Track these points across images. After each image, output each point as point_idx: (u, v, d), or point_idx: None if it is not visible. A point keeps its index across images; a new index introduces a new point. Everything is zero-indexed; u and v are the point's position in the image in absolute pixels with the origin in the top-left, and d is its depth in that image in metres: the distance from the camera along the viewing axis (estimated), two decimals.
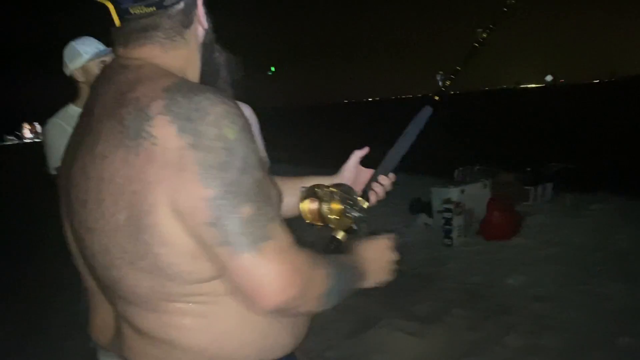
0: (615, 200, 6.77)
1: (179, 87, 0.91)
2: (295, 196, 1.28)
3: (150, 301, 0.97)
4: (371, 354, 3.25)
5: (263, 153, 3.19)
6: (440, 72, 1.50)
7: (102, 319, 1.11)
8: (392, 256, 1.23)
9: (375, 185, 1.38)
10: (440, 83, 1.49)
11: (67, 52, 2.55)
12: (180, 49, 1.04)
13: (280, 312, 0.93)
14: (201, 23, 1.08)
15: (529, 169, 7.24)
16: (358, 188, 1.37)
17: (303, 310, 0.98)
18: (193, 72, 1.08)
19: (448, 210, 5.49)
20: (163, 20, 1.01)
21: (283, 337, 1.06)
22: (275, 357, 1.06)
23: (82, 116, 1.05)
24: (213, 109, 0.88)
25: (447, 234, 5.51)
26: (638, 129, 16.63)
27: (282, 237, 0.91)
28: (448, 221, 5.49)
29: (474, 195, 6.02)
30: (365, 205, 1.33)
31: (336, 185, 1.26)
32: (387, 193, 1.40)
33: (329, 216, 1.23)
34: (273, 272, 0.88)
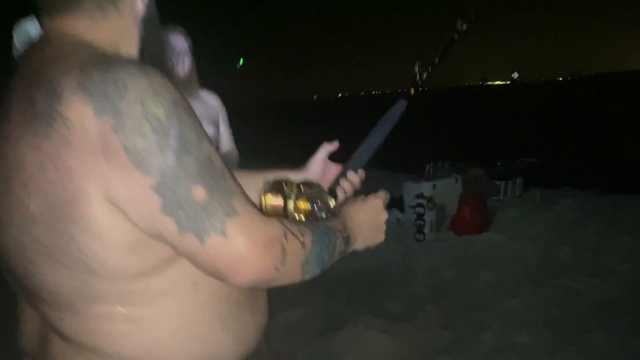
0: (584, 195, 6.85)
1: (97, 61, 0.81)
2: (254, 191, 1.17)
3: (74, 303, 0.88)
4: (343, 354, 3.15)
5: (231, 145, 3.06)
6: (418, 63, 1.40)
7: (27, 324, 1.00)
8: (385, 216, 1.16)
9: (343, 182, 1.29)
10: (417, 75, 1.40)
11: (17, 32, 2.36)
12: (112, 21, 0.94)
13: (258, 284, 0.86)
14: None
15: (499, 163, 7.26)
16: (325, 184, 1.29)
17: (283, 281, 0.89)
18: (128, 50, 0.98)
19: (420, 205, 5.44)
20: None
21: (228, 345, 0.97)
22: None
23: None
24: (133, 83, 0.78)
25: (420, 229, 5.45)
26: (603, 125, 16.97)
27: (247, 209, 0.84)
28: (420, 216, 5.43)
29: (445, 190, 5.99)
30: (333, 204, 1.21)
31: (305, 183, 1.16)
32: (356, 191, 1.31)
33: (294, 215, 1.12)
34: (245, 246, 0.81)
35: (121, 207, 0.79)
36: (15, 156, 0.82)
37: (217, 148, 1.04)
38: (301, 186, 1.15)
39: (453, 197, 5.90)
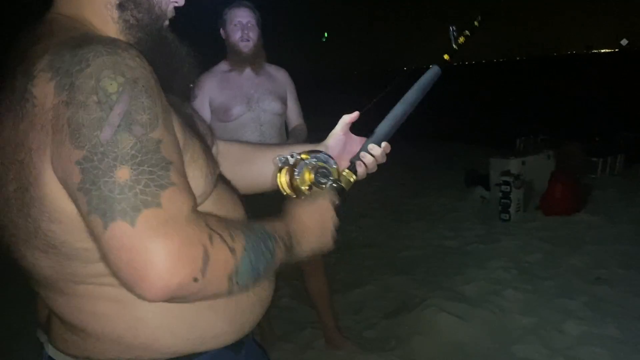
0: None
1: (71, 40, 0.81)
2: (271, 166, 1.17)
3: (57, 284, 0.88)
4: (413, 336, 3.03)
5: (299, 120, 2.98)
6: (453, 27, 1.28)
7: (41, 301, 1.00)
8: (334, 220, 1.06)
9: (364, 156, 1.20)
10: (452, 40, 1.28)
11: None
12: None
13: (171, 300, 0.76)
14: None
15: (597, 138, 6.71)
16: (347, 158, 1.22)
17: (205, 296, 0.80)
18: (106, 33, 0.93)
19: (506, 183, 5.12)
20: None
21: (217, 326, 0.93)
22: (209, 348, 0.93)
23: None
24: (95, 60, 0.76)
25: (505, 208, 5.14)
26: None
27: (176, 205, 0.75)
28: (506, 195, 5.12)
29: (535, 167, 5.63)
30: (353, 178, 1.18)
31: (309, 152, 1.13)
32: (382, 165, 1.23)
33: (300, 187, 1.10)
34: (157, 248, 0.71)
35: (63, 185, 0.77)
36: (2, 136, 0.83)
37: (204, 138, 1.03)
38: (305, 155, 1.11)
39: (544, 174, 5.52)
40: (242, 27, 2.70)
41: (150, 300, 0.75)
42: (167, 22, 1.01)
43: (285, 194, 1.13)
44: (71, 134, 0.74)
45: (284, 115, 2.87)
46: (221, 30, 2.77)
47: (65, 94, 0.75)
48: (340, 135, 1.24)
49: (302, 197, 1.09)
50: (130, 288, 0.75)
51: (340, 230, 1.08)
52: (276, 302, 3.33)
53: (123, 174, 0.73)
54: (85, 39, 0.81)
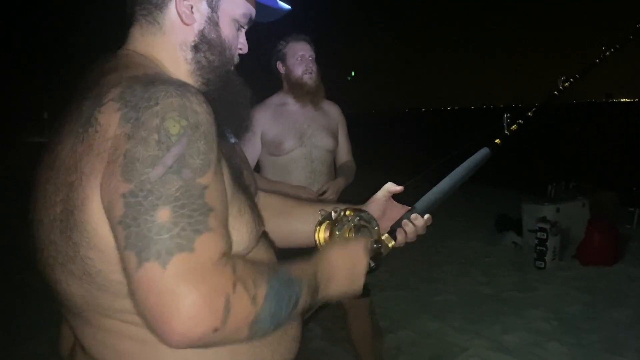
0: None
1: (144, 76, 0.84)
2: (309, 222, 1.20)
3: (85, 313, 0.87)
4: None
5: (349, 157, 2.93)
6: (506, 115, 1.34)
7: (65, 329, 1.00)
8: (364, 264, 1.05)
9: (406, 224, 1.21)
10: (505, 127, 1.34)
11: None
12: (156, 35, 0.98)
13: (193, 346, 0.76)
14: (180, 14, 0.97)
15: (635, 188, 6.55)
16: (385, 224, 1.23)
17: (225, 343, 0.81)
18: (176, 72, 0.98)
19: (543, 230, 4.98)
20: None
21: None
22: None
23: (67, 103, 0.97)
24: (164, 100, 0.79)
25: (540, 255, 4.99)
26: None
27: (207, 253, 0.76)
28: (542, 242, 4.98)
29: (570, 214, 5.51)
30: (391, 244, 1.18)
31: (354, 209, 1.15)
32: (420, 236, 1.24)
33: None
34: (183, 296, 0.72)
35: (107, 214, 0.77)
36: (57, 157, 0.85)
37: (252, 193, 1.06)
38: (349, 211, 1.12)
39: (579, 222, 5.38)
40: (305, 60, 2.68)
41: (170, 346, 0.75)
42: (233, 67, 1.06)
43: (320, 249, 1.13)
44: (124, 166, 0.75)
45: (334, 151, 2.82)
46: (278, 64, 2.74)
47: (128, 126, 0.77)
48: (382, 201, 1.26)
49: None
50: (153, 330, 0.75)
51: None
52: (307, 344, 3.21)
53: (164, 214, 0.74)
54: (159, 78, 0.84)
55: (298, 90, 2.72)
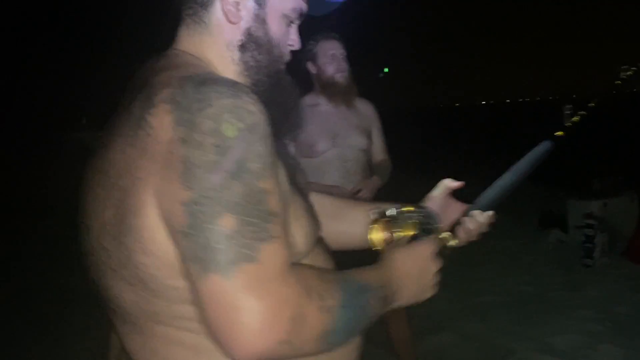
0: None
1: (195, 76, 0.81)
2: (360, 224, 1.16)
3: (136, 320, 0.85)
4: None
5: (383, 156, 2.85)
6: (568, 106, 1.27)
7: (114, 339, 0.97)
8: (435, 267, 1.01)
9: (469, 221, 1.15)
10: (565, 118, 1.27)
11: None
12: (203, 35, 0.95)
13: (262, 357, 0.73)
14: (226, 12, 0.93)
15: None
16: (445, 223, 1.17)
17: (296, 357, 0.77)
18: (224, 71, 0.94)
19: (590, 226, 4.77)
20: None
21: None
22: None
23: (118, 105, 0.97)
24: (218, 101, 0.76)
25: (588, 253, 4.78)
26: None
27: (274, 262, 0.74)
28: (590, 239, 4.76)
29: (618, 209, 5.27)
30: (454, 242, 1.13)
31: (413, 206, 1.09)
32: (483, 234, 1.18)
33: (399, 243, 1.02)
34: (251, 309, 0.71)
35: (165, 221, 0.75)
36: (108, 161, 0.83)
37: (307, 195, 1.00)
38: (409, 208, 1.07)
39: (628, 218, 5.16)
40: (336, 59, 2.62)
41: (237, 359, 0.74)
42: (284, 65, 1.01)
43: (375, 249, 1.07)
44: (182, 173, 0.73)
45: (369, 151, 2.74)
46: (309, 64, 2.68)
47: (183, 130, 0.74)
48: (440, 199, 1.20)
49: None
50: (218, 343, 0.74)
51: None
52: None
53: (227, 222, 0.72)
54: (209, 78, 0.81)
55: (330, 90, 2.67)
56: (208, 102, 0.75)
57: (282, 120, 0.98)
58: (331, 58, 2.63)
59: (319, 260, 0.97)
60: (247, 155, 0.75)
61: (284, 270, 0.75)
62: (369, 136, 2.74)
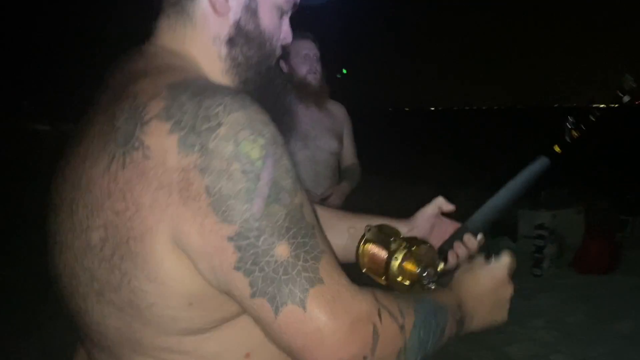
0: None
1: (187, 85, 0.73)
2: (348, 235, 1.11)
3: (117, 350, 0.79)
4: None
5: (354, 159, 2.80)
6: (570, 119, 1.19)
7: None
8: (510, 291, 0.98)
9: (459, 247, 1.10)
10: (566, 132, 1.19)
11: None
12: (186, 27, 0.85)
13: None
14: (213, 2, 0.84)
15: (628, 196, 6.52)
16: (433, 242, 1.09)
17: None
18: (211, 72, 0.86)
19: (541, 236, 4.91)
20: None
21: None
22: None
23: (86, 109, 0.87)
24: (227, 118, 0.69)
25: (537, 263, 4.92)
26: None
27: (335, 276, 0.72)
28: (540, 249, 4.90)
29: (566, 221, 5.45)
30: (441, 267, 1.02)
31: (415, 240, 0.98)
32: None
33: (396, 278, 0.93)
34: (327, 326, 0.69)
35: (190, 255, 0.70)
36: (86, 176, 0.75)
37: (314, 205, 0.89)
38: (414, 244, 0.97)
39: (574, 230, 5.33)
40: (309, 59, 2.54)
41: None
42: (274, 61, 0.94)
43: (363, 269, 1.00)
44: (215, 205, 0.67)
45: (339, 154, 2.68)
46: (280, 63, 2.59)
47: (196, 156, 0.68)
48: (431, 217, 1.17)
49: (392, 287, 0.95)
50: None
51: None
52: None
53: (283, 250, 0.69)
54: (204, 86, 0.74)
55: (302, 90, 2.58)
56: (216, 120, 0.69)
57: (275, 122, 0.90)
58: (304, 58, 2.56)
59: None
60: (278, 173, 0.70)
61: (351, 285, 0.74)
62: (340, 139, 2.69)
